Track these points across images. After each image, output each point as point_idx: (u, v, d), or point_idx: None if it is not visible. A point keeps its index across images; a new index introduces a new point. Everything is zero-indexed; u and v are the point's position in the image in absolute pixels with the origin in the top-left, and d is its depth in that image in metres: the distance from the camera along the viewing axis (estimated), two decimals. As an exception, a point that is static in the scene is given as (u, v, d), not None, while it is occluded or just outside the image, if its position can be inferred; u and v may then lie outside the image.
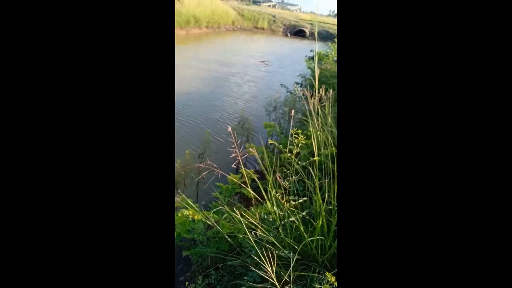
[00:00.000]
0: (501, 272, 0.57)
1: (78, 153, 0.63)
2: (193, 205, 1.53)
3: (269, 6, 34.66)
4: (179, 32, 14.57)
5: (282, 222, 1.26)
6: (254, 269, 1.05)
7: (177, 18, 14.49)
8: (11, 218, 0.59)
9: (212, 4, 18.56)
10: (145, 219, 0.66)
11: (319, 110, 2.11)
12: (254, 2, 35.05)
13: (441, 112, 0.62)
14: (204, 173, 1.36)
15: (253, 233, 1.25)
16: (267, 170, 1.46)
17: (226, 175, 1.45)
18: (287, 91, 4.62)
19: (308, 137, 2.32)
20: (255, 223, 1.24)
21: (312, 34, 21.79)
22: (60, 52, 0.63)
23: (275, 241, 1.17)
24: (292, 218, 1.24)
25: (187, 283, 1.46)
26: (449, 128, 0.62)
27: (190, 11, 15.78)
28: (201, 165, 1.39)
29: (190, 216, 1.51)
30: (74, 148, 0.63)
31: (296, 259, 1.14)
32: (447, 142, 0.62)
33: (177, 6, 15.20)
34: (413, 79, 0.64)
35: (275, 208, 1.29)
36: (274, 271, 0.89)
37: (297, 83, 4.71)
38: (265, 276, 0.93)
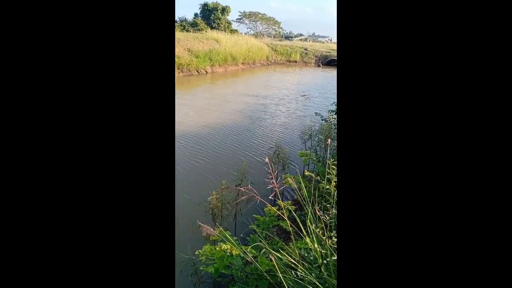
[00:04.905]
0: (501, 272, 0.56)
1: (77, 156, 0.63)
2: (231, 239, 1.51)
3: (301, 40, 36.00)
4: (217, 70, 15.69)
5: (324, 261, 1.17)
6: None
7: (215, 57, 15.77)
8: (12, 218, 0.59)
9: (248, 43, 19.88)
10: (146, 223, 0.65)
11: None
12: (287, 38, 36.77)
13: (440, 115, 0.62)
14: (243, 197, 1.35)
15: (293, 272, 1.17)
16: (305, 201, 1.40)
17: (265, 202, 1.42)
18: (322, 119, 4.58)
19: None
20: (294, 261, 1.17)
21: (345, 62, 21.72)
22: (60, 55, 0.63)
23: (317, 282, 1.08)
24: (335, 257, 1.15)
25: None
26: (449, 130, 0.62)
27: (227, 50, 17.06)
28: (242, 188, 1.39)
29: (228, 251, 1.49)
30: (74, 150, 0.63)
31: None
32: (446, 144, 0.61)
33: (216, 46, 16.58)
34: (414, 79, 0.63)
35: (315, 245, 1.21)
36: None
37: (331, 111, 4.66)
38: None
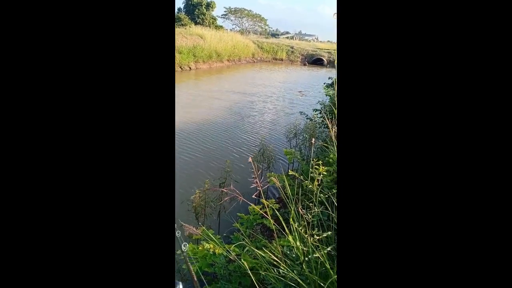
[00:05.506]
0: (501, 272, 0.57)
1: (77, 155, 0.63)
2: (214, 238, 1.51)
3: (287, 38, 36.11)
4: (201, 66, 15.48)
5: (306, 258, 1.19)
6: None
7: (199, 54, 15.52)
8: (12, 218, 0.59)
9: (233, 39, 19.71)
10: (145, 222, 0.65)
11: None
12: (273, 35, 36.83)
13: (441, 115, 0.62)
14: (226, 198, 1.35)
15: (275, 269, 1.19)
16: (288, 199, 1.42)
17: (248, 202, 1.44)
18: (307, 118, 4.64)
19: (329, 164, 2.25)
20: (277, 259, 1.18)
21: (330, 62, 22.14)
22: (59, 54, 0.62)
23: (298, 279, 1.10)
24: (317, 254, 1.18)
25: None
26: (449, 130, 0.62)
27: (212, 47, 16.84)
28: (224, 189, 1.38)
29: (211, 250, 1.48)
30: (76, 151, 0.63)
31: (323, 299, 1.06)
32: (447, 145, 0.62)
33: (200, 42, 16.33)
34: (414, 80, 0.64)
35: (298, 243, 1.23)
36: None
37: (316, 110, 4.73)
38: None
